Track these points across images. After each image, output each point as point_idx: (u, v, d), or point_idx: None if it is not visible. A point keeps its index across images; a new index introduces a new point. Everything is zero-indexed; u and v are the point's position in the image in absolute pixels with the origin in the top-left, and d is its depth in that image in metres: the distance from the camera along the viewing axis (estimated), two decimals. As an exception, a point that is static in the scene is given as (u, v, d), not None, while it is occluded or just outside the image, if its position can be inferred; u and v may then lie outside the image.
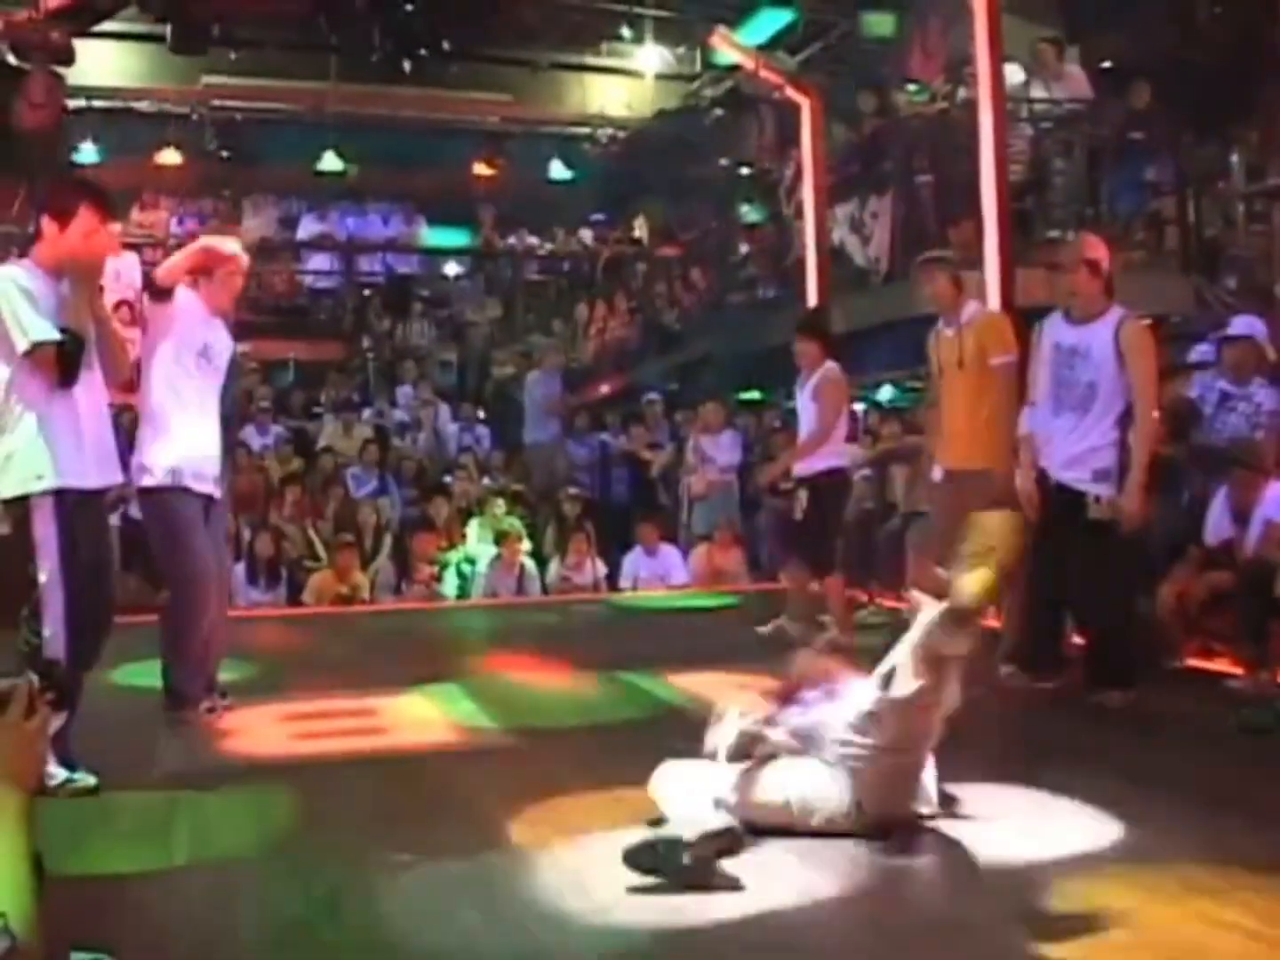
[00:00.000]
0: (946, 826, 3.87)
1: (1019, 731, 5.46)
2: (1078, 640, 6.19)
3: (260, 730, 5.30)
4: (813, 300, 10.96)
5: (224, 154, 17.00)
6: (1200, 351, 7.66)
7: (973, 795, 4.07)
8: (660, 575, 10.51)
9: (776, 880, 3.46)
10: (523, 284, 17.39)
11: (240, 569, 9.51)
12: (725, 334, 12.89)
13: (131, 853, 3.83)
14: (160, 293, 5.36)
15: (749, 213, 14.54)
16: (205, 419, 5.48)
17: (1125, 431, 5.66)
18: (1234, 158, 10.80)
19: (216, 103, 16.62)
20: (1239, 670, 5.97)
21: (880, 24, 13.20)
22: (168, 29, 12.43)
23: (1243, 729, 5.10)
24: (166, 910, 3.39)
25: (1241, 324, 7.13)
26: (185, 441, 5.35)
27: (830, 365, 7.48)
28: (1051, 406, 5.78)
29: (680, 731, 5.31)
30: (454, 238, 18.53)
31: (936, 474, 6.65)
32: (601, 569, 10.75)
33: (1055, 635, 6.05)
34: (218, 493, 5.53)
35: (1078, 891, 3.34)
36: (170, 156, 16.60)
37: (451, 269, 18.01)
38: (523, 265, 17.64)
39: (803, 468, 7.48)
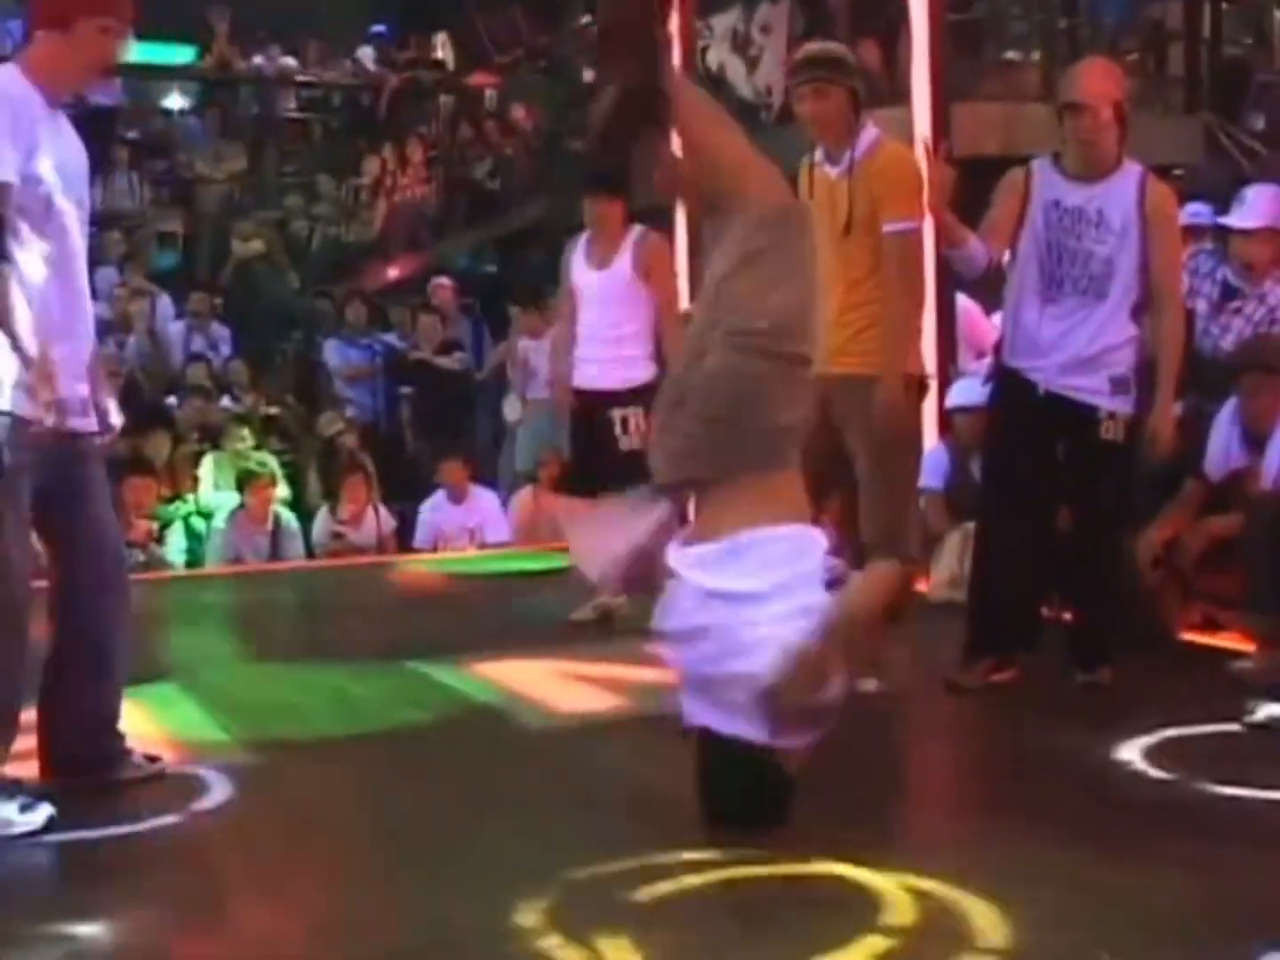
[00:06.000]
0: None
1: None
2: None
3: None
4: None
5: None
6: (1191, 212, 7.68)
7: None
8: (471, 529, 10.54)
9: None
10: (275, 124, 17.13)
11: None
12: (562, 196, 12.80)
13: None
14: None
15: (593, 23, 14.46)
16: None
17: (1142, 328, 5.70)
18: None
19: None
20: (1248, 646, 6.11)
21: None
22: None
23: (1253, 726, 5.19)
24: None
25: (1260, 203, 7.11)
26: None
27: (643, 230, 7.42)
28: (1040, 287, 5.73)
29: (483, 740, 5.30)
30: (174, 55, 18.10)
31: None
32: (389, 522, 10.79)
33: (1026, 608, 5.98)
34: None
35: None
36: None
37: (173, 101, 17.65)
38: (275, 97, 17.36)
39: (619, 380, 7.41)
